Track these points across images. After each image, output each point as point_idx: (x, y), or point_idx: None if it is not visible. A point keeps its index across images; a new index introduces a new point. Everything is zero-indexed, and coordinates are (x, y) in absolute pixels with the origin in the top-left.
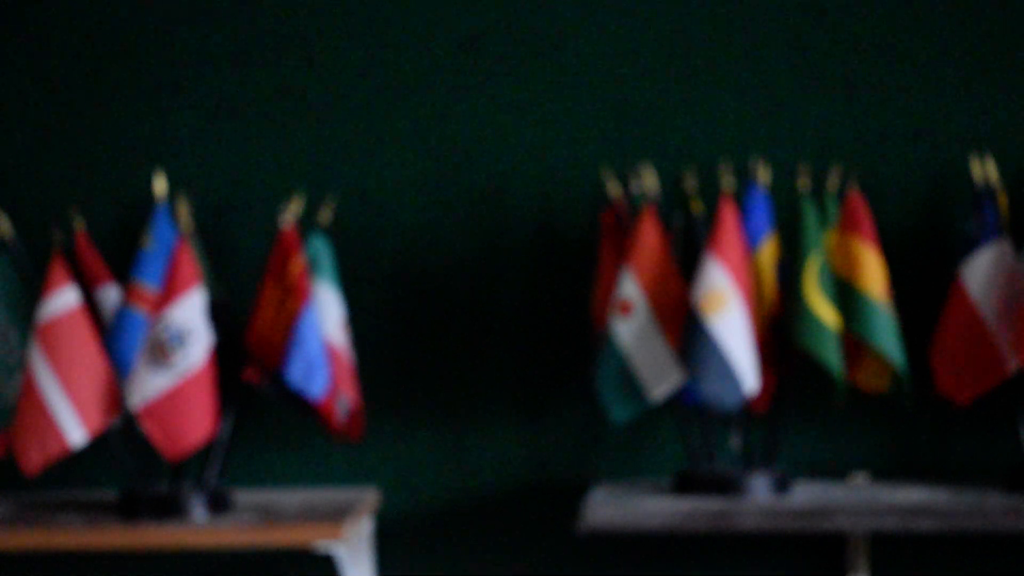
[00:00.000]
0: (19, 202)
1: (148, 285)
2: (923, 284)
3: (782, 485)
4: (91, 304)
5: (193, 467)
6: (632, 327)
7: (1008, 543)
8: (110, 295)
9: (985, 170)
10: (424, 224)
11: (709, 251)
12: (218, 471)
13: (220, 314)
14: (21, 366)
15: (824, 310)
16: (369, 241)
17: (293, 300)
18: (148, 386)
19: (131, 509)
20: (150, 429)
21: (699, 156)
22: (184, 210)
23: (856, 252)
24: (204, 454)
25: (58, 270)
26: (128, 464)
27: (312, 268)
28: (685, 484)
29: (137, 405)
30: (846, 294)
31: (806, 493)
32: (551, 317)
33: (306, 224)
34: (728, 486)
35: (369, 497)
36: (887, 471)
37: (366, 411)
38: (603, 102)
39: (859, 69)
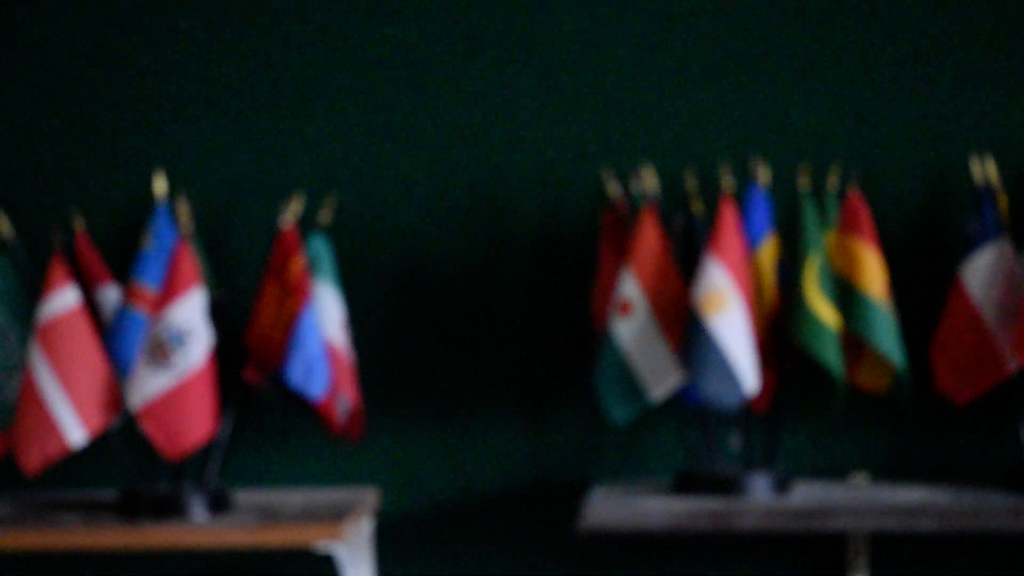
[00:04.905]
0: (19, 202)
1: (148, 285)
2: (923, 284)
3: (782, 485)
4: (91, 304)
5: (193, 467)
6: (632, 327)
7: (1008, 543)
8: (110, 295)
9: (985, 170)
10: (424, 224)
11: (709, 251)
12: (218, 471)
13: (220, 314)
14: (21, 366)
15: (824, 310)
16: (369, 241)
17: (293, 300)
18: (148, 386)
19: (131, 509)
20: (150, 429)
21: (699, 156)
22: (184, 210)
23: (856, 252)
24: (204, 454)
25: (58, 270)
26: (128, 464)
27: (312, 268)
28: (685, 484)
29: (137, 405)
30: (846, 294)
31: (806, 493)
32: (551, 317)
33: (306, 224)
34: (728, 486)
35: (369, 497)
36: (887, 471)
37: (366, 411)
38: (603, 102)
39: (859, 69)
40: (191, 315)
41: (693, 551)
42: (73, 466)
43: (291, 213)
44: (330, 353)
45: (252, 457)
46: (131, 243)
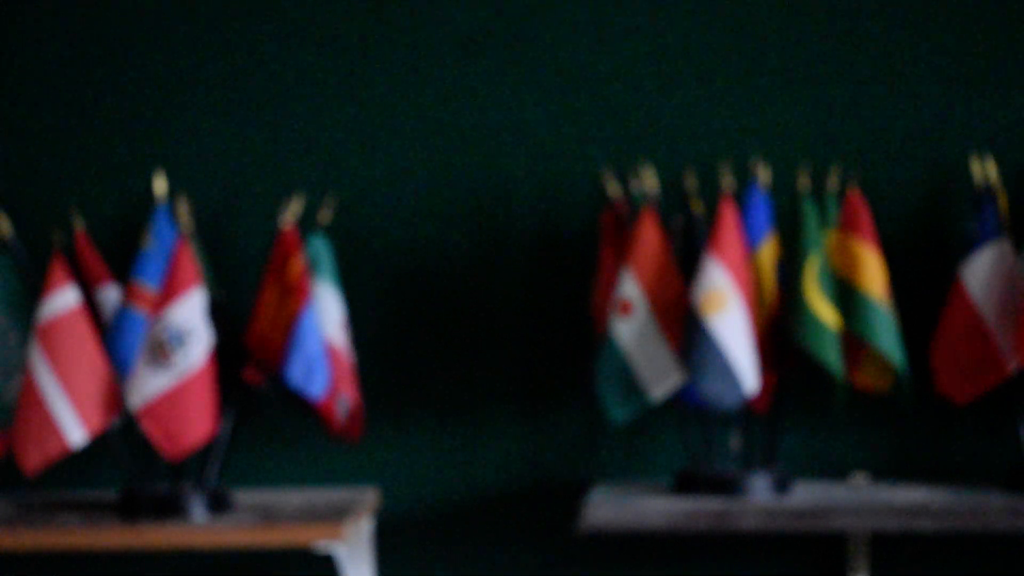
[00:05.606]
0: (19, 202)
1: (148, 285)
2: (923, 284)
3: (782, 485)
4: (91, 304)
5: (193, 467)
6: (632, 327)
7: (1008, 543)
8: (110, 295)
9: (985, 170)
10: (424, 224)
11: (709, 251)
12: (218, 471)
13: (220, 314)
14: (21, 366)
15: (824, 310)
16: (369, 241)
17: (293, 300)
18: (148, 386)
19: (131, 509)
20: (150, 429)
21: (699, 156)
22: (184, 210)
23: (856, 252)
24: (204, 454)
25: (58, 270)
26: (128, 464)
27: (312, 268)
28: (685, 484)
29: (137, 405)
30: (846, 294)
31: (806, 493)
32: (551, 317)
33: (306, 224)
34: (728, 486)
35: (369, 497)
36: (887, 471)
37: (366, 411)
38: (603, 102)
39: (859, 69)
40: (191, 315)
41: (693, 551)
42: (73, 466)
43: (291, 213)
44: (330, 353)
45: (252, 457)
46: (131, 243)
